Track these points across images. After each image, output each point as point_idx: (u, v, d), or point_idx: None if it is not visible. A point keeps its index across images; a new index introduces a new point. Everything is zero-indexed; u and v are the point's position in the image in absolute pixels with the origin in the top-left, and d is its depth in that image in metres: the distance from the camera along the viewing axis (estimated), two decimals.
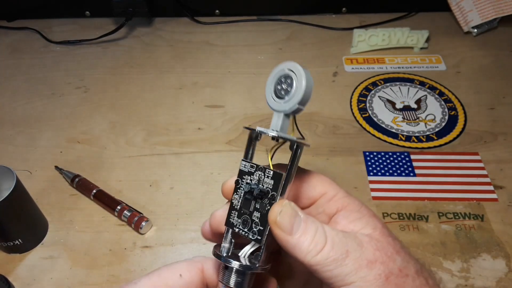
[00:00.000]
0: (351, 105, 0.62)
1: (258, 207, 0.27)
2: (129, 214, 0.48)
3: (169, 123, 0.61)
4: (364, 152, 0.55)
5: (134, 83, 0.68)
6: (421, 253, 0.44)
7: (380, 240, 0.25)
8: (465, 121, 0.59)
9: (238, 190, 0.28)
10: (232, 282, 0.27)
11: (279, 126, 0.28)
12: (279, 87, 0.28)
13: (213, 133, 0.59)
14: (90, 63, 0.72)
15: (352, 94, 0.64)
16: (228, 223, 0.28)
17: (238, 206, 0.28)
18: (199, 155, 0.56)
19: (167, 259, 0.46)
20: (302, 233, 0.25)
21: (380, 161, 0.54)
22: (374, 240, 0.25)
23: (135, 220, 0.47)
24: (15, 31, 0.79)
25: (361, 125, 0.59)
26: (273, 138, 0.28)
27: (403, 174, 0.52)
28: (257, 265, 0.26)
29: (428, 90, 0.64)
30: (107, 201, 0.49)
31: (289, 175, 0.27)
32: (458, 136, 0.57)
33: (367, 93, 0.64)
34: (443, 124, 0.59)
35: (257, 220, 0.27)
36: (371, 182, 0.51)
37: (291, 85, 0.28)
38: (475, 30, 0.73)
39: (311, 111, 0.61)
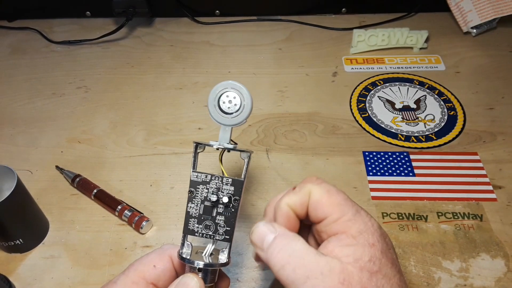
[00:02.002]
0: (350, 105, 0.62)
1: (222, 211, 0.30)
2: (129, 214, 0.48)
3: (169, 123, 0.61)
4: (364, 152, 0.55)
5: (134, 83, 0.68)
6: (420, 252, 0.44)
7: (353, 275, 0.25)
8: (464, 121, 0.59)
9: (194, 199, 0.30)
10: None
11: (228, 138, 0.32)
12: (224, 104, 0.32)
13: (213, 133, 0.59)
14: (91, 63, 0.72)
15: (352, 94, 0.64)
16: (188, 231, 0.30)
17: (197, 214, 0.30)
18: (199, 155, 0.56)
19: None
20: (272, 249, 0.27)
21: (380, 161, 0.54)
22: (345, 272, 0.25)
23: (136, 220, 0.47)
24: (16, 31, 0.80)
25: (360, 125, 0.59)
26: (230, 150, 0.32)
27: (403, 174, 0.52)
28: (217, 263, 0.30)
29: (428, 90, 0.64)
30: (107, 201, 0.50)
31: (245, 181, 0.30)
32: (457, 136, 0.57)
33: (367, 93, 0.64)
34: (442, 124, 0.59)
35: (223, 223, 0.30)
36: (371, 182, 0.52)
37: (237, 102, 0.32)
38: (475, 30, 0.73)
39: (311, 111, 0.62)
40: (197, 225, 0.30)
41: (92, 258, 0.46)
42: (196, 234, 0.30)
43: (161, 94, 0.66)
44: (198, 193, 0.30)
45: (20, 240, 0.45)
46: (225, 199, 0.29)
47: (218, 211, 0.30)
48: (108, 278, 0.44)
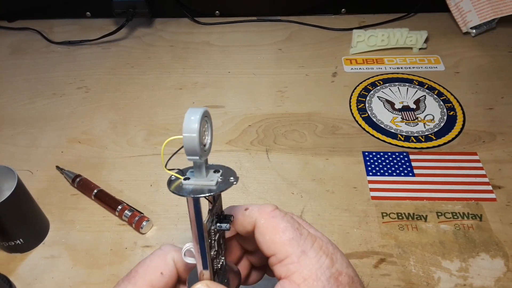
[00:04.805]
0: (350, 105, 0.62)
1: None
2: (130, 214, 0.48)
3: (169, 123, 0.61)
4: (363, 152, 0.55)
5: (134, 83, 0.68)
6: (420, 252, 0.45)
7: None
8: (464, 121, 0.59)
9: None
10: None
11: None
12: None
13: (213, 133, 0.59)
14: (91, 64, 0.72)
15: (352, 94, 0.64)
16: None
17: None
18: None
19: None
20: None
21: (379, 161, 0.54)
22: None
23: (136, 220, 0.47)
24: (16, 31, 0.80)
25: (360, 125, 0.59)
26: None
27: (402, 174, 0.52)
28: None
29: (427, 91, 0.64)
30: (108, 201, 0.50)
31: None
32: (456, 136, 0.57)
33: (366, 94, 0.64)
34: (442, 124, 0.59)
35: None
36: (370, 182, 0.52)
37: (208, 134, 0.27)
38: (474, 30, 0.73)
39: (311, 111, 0.62)
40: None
41: (93, 258, 0.46)
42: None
43: (161, 94, 0.66)
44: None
45: (21, 240, 0.45)
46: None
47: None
48: (108, 278, 0.44)
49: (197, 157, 0.25)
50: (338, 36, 0.76)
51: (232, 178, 0.26)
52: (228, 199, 0.49)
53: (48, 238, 0.48)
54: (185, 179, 0.27)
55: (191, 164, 0.27)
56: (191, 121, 0.24)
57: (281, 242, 0.26)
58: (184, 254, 0.28)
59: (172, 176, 0.27)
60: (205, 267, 0.27)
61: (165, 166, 0.27)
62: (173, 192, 0.26)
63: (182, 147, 0.25)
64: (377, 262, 0.44)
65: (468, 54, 0.70)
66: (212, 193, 0.25)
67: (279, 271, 0.26)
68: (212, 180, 0.26)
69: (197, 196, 0.25)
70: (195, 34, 0.78)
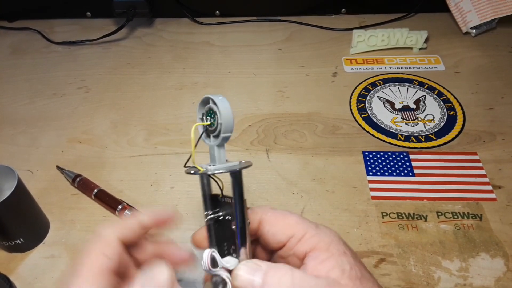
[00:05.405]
0: (350, 105, 0.62)
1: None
2: (130, 213, 0.48)
3: (169, 123, 0.61)
4: (364, 152, 0.55)
5: (135, 83, 0.68)
6: (420, 252, 0.45)
7: (349, 285, 0.25)
8: (464, 121, 0.59)
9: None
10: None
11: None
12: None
13: None
14: (91, 64, 0.72)
15: (352, 94, 0.64)
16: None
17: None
18: (199, 155, 0.56)
19: None
20: (264, 285, 0.25)
21: (379, 161, 0.54)
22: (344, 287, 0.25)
23: None
24: (16, 31, 0.80)
25: (360, 125, 0.59)
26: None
27: (402, 174, 0.52)
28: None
29: (427, 91, 0.64)
30: (108, 201, 0.50)
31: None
32: (456, 136, 0.57)
33: (367, 93, 0.64)
34: (442, 124, 0.59)
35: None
36: (370, 182, 0.52)
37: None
38: (474, 30, 0.73)
39: (311, 111, 0.62)
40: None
41: None
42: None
43: (161, 94, 0.66)
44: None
45: (21, 239, 0.45)
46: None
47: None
48: None
49: (231, 133, 0.28)
50: (338, 36, 0.76)
51: (242, 161, 0.29)
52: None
53: (48, 237, 0.48)
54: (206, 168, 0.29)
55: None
56: (221, 101, 0.27)
57: (295, 222, 0.28)
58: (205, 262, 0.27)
59: (192, 170, 0.29)
60: (243, 243, 0.27)
61: (198, 166, 0.29)
62: (219, 173, 0.28)
63: (204, 131, 0.29)
64: (377, 262, 0.44)
65: (468, 54, 0.71)
66: (248, 165, 0.28)
67: (302, 247, 0.27)
68: (232, 163, 0.29)
69: (245, 167, 0.28)
70: (195, 34, 0.78)
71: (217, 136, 0.29)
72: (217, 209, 0.29)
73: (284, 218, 0.28)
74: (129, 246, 0.29)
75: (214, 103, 0.28)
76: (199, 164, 0.28)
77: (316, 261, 0.26)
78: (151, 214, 0.29)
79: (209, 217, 0.29)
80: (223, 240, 0.28)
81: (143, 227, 0.29)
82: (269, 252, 0.30)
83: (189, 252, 0.30)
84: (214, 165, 0.29)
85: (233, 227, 0.27)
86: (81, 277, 0.25)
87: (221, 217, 0.29)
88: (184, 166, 0.29)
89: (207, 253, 0.27)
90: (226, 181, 0.29)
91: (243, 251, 0.27)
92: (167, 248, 0.30)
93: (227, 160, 0.30)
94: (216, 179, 0.29)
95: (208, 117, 0.29)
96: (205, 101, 0.29)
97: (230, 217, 0.28)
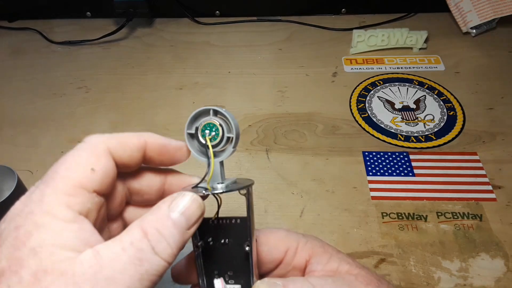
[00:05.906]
0: (350, 105, 0.62)
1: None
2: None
3: (169, 123, 0.61)
4: (364, 152, 0.55)
5: (135, 83, 0.68)
6: (420, 252, 0.45)
7: (362, 273, 0.25)
8: (464, 121, 0.59)
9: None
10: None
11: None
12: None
13: None
14: (91, 64, 0.72)
15: (352, 94, 0.64)
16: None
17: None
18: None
19: None
20: None
21: (379, 161, 0.54)
22: (358, 276, 0.25)
23: None
24: (16, 31, 0.80)
25: (360, 125, 0.59)
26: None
27: (402, 174, 0.52)
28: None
29: (427, 91, 0.64)
30: None
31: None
32: (456, 136, 0.57)
33: (366, 93, 0.64)
34: (442, 124, 0.59)
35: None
36: (370, 182, 0.52)
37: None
38: (474, 30, 0.73)
39: (311, 111, 0.62)
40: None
41: None
42: None
43: (161, 94, 0.66)
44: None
45: None
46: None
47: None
48: None
49: (236, 148, 0.26)
50: (338, 36, 0.76)
51: (235, 177, 0.28)
52: (229, 199, 0.49)
53: None
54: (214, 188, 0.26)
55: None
56: (228, 113, 0.26)
57: (285, 236, 0.27)
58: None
59: (203, 190, 0.25)
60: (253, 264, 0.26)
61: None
62: (232, 191, 0.25)
63: (207, 148, 0.26)
64: (377, 262, 0.44)
65: (468, 54, 0.70)
66: (252, 183, 0.26)
67: (301, 257, 0.26)
68: (232, 178, 0.27)
69: (252, 183, 0.26)
70: (195, 34, 0.78)
71: (222, 151, 0.26)
72: (207, 235, 0.27)
73: (274, 234, 0.27)
74: (124, 173, 0.24)
75: (222, 115, 0.26)
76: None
77: (321, 264, 0.26)
78: (154, 137, 0.25)
79: (199, 244, 0.26)
80: (212, 268, 0.26)
81: (141, 148, 0.24)
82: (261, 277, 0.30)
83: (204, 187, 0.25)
84: (222, 182, 0.26)
85: (247, 248, 0.25)
86: (52, 192, 0.20)
87: (210, 243, 0.26)
88: (192, 188, 0.26)
89: (220, 283, 0.26)
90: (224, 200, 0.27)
91: (256, 273, 0.26)
92: (175, 180, 0.26)
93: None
94: (218, 199, 0.26)
95: (207, 131, 0.26)
96: (199, 114, 0.27)
97: (227, 241, 0.26)
